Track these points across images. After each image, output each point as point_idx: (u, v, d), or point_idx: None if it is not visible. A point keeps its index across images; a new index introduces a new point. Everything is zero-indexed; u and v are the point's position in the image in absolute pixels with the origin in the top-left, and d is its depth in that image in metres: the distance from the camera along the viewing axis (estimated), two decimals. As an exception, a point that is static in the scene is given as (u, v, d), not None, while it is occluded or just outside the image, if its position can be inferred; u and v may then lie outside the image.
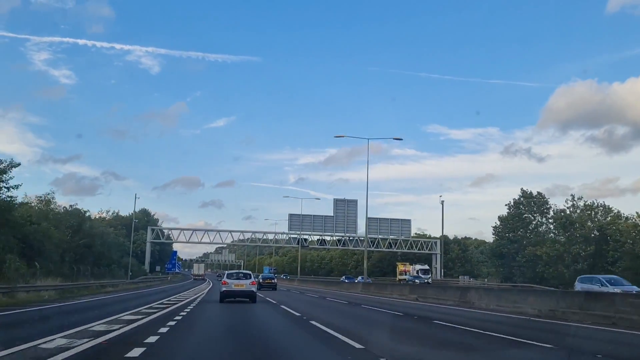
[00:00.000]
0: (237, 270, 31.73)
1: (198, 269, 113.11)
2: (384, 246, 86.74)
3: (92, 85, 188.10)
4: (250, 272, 26.55)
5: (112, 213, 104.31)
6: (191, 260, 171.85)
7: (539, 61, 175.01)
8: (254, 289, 23.65)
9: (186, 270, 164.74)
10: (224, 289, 23.39)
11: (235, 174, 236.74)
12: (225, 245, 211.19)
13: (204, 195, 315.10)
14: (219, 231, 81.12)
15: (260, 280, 44.44)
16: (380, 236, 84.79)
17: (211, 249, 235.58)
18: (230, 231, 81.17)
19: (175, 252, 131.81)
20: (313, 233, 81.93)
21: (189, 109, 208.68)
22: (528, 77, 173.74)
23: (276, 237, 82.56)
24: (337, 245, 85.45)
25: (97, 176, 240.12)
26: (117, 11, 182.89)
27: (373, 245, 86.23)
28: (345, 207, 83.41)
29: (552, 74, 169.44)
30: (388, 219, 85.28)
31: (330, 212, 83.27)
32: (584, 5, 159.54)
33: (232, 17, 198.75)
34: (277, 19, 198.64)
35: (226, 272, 27.77)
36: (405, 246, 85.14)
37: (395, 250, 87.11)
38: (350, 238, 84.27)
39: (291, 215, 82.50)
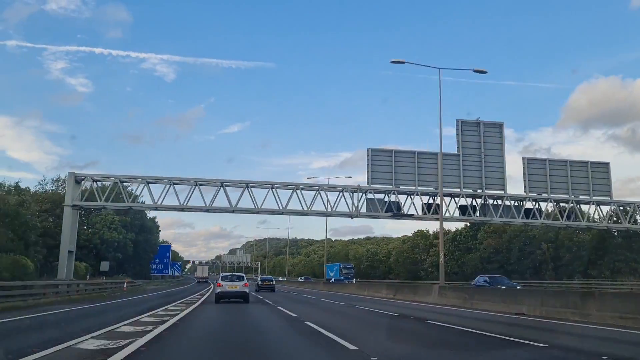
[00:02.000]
0: (232, 273, 29.52)
1: (202, 272, 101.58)
2: (553, 217, 43.58)
3: (108, 92, 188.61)
4: (243, 275, 27.27)
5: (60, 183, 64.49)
6: (199, 263, 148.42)
7: (554, 61, 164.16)
8: (246, 290, 24.66)
9: (189, 274, 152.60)
10: (218, 290, 24.38)
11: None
12: (239, 246, 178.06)
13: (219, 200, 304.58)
14: (223, 184, 38.59)
15: (259, 282, 45.91)
16: (552, 196, 41.84)
17: (224, 250, 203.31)
18: (248, 183, 38.71)
19: (168, 246, 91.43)
20: (422, 188, 39.17)
21: (204, 115, 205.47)
22: (543, 77, 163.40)
23: (343, 195, 39.80)
24: (471, 215, 40.90)
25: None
26: (132, 21, 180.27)
27: (529, 216, 42.94)
28: (481, 138, 40.82)
29: (570, 74, 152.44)
30: (565, 160, 42.49)
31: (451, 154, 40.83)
32: (607, 0, 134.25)
33: (245, 23, 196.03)
34: (291, 25, 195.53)
35: (221, 274, 29.79)
36: (607, 217, 41.98)
37: (574, 223, 43.65)
38: (496, 203, 41.19)
39: (373, 152, 40.06)
